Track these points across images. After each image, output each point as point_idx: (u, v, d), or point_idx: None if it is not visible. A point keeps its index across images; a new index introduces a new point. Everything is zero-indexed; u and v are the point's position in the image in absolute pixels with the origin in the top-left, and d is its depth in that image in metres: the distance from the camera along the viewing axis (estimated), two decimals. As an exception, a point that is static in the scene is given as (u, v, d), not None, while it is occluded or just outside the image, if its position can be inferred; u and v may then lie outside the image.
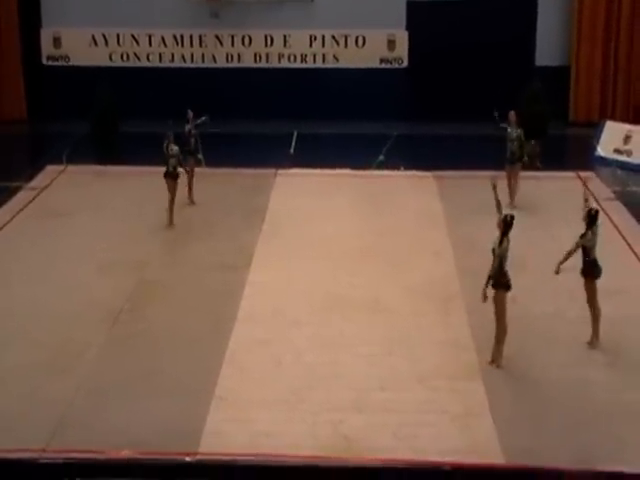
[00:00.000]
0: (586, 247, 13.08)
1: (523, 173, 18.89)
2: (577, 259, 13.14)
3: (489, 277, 12.50)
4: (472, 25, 24.96)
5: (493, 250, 12.50)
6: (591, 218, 13.17)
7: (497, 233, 12.53)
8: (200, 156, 19.21)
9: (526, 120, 18.74)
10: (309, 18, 25.50)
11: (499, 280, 12.44)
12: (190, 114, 18.93)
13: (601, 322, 13.13)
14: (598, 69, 24.96)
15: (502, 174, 18.65)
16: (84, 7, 25.37)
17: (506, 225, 12.52)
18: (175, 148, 17.81)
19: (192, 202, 18.83)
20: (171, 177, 17.76)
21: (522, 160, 18.68)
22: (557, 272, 13.05)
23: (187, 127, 18.89)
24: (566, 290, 13.43)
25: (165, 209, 17.64)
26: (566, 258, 13.04)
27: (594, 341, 13.14)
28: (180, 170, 18.02)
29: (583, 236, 13.10)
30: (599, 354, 12.95)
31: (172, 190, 17.71)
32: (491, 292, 12.48)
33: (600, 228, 13.33)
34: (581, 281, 13.14)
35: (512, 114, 18.53)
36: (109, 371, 12.61)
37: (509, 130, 18.53)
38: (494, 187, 13.10)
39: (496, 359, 12.65)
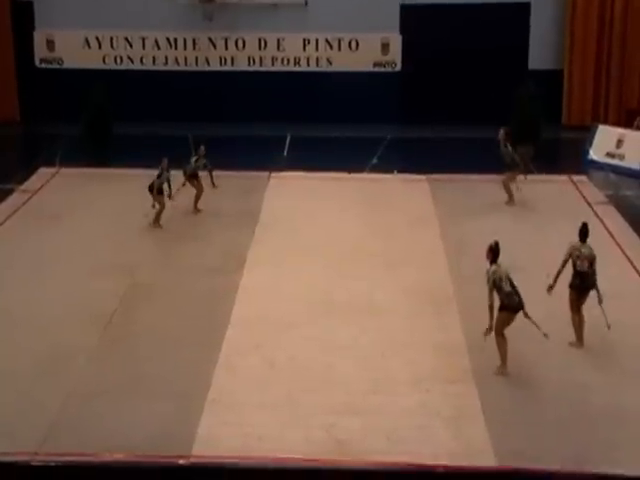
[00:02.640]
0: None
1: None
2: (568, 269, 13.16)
3: (490, 307, 12.07)
4: (465, 29, 25.00)
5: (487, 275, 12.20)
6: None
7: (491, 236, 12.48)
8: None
9: (519, 124, 18.79)
10: (303, 21, 25.51)
11: (502, 303, 12.18)
12: (202, 150, 18.84)
13: (595, 326, 13.12)
14: (591, 73, 25.04)
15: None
16: (77, 10, 25.37)
17: (493, 253, 12.25)
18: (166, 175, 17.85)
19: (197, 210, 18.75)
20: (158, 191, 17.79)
21: (517, 167, 18.80)
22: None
23: (203, 162, 18.80)
24: (559, 293, 13.41)
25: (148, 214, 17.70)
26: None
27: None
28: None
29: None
30: (592, 358, 12.95)
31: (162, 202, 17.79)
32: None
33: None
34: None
35: (502, 133, 18.53)
36: (101, 374, 12.56)
37: (501, 148, 18.57)
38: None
39: (498, 371, 12.45)
